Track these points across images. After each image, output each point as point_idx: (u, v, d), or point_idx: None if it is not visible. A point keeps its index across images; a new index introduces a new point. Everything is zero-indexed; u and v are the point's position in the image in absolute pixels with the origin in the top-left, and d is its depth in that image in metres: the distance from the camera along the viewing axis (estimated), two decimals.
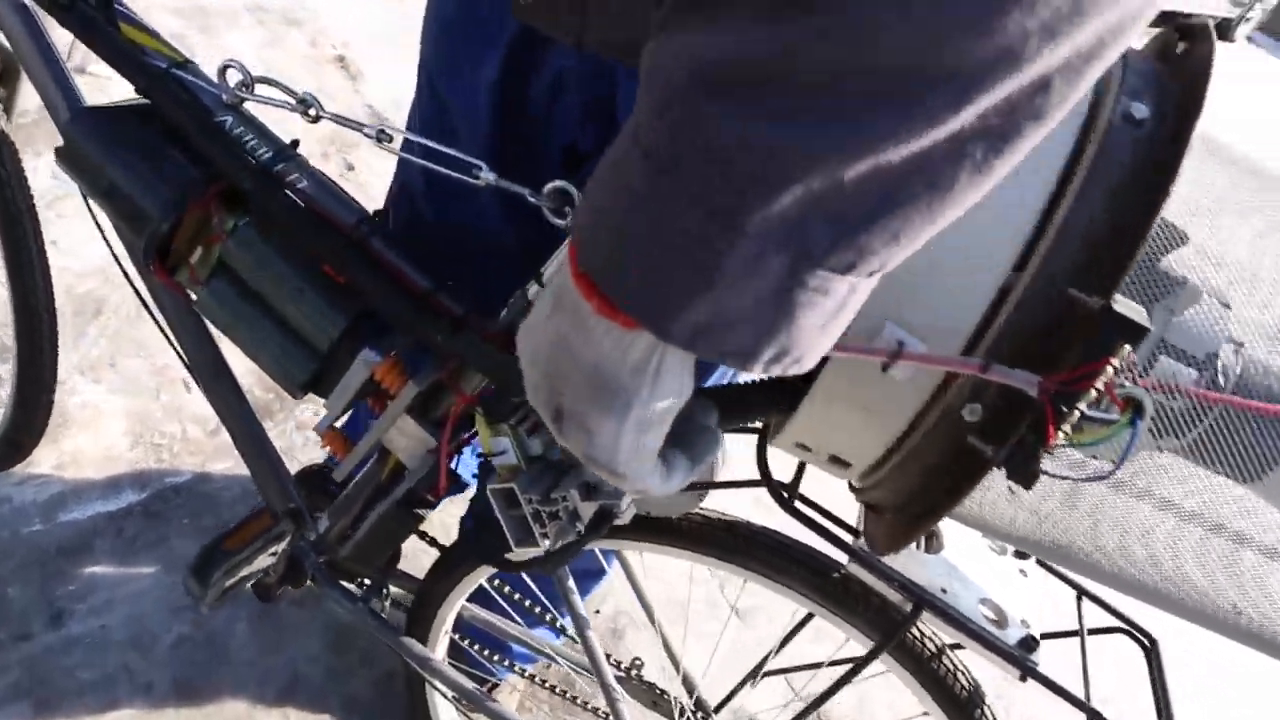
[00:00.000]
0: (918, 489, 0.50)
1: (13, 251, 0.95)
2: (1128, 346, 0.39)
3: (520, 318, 0.65)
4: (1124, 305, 0.40)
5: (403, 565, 0.98)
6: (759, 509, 0.79)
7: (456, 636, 1.03)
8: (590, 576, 1.09)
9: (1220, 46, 0.53)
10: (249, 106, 0.77)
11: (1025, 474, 0.42)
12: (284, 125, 0.79)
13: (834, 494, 0.67)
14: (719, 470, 0.71)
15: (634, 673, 0.97)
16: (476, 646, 1.05)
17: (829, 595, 0.72)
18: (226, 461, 1.44)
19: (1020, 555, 0.74)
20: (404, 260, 0.75)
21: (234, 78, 0.74)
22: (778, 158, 0.28)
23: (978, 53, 0.26)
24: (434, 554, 0.99)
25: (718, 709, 0.96)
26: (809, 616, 0.82)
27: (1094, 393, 0.40)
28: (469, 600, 0.97)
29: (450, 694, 0.93)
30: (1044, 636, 0.67)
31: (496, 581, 0.97)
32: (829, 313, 0.33)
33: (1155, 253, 0.47)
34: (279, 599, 0.94)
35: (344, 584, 0.92)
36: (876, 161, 0.28)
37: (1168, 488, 0.55)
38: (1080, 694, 0.65)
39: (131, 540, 1.30)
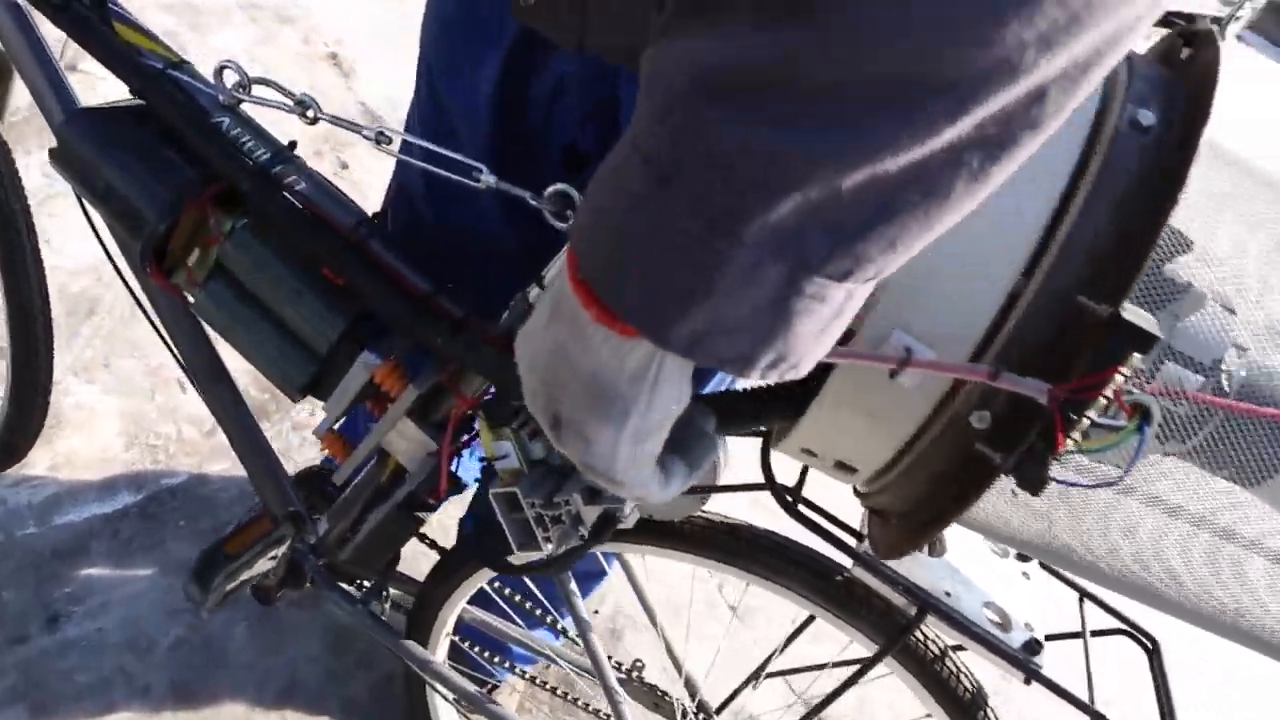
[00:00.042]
0: (924, 495, 0.50)
1: (7, 253, 0.94)
2: (1137, 354, 0.39)
3: (521, 320, 0.64)
4: (1133, 313, 0.40)
5: (401, 566, 0.98)
6: (756, 510, 0.79)
7: (456, 638, 1.03)
8: (591, 578, 1.09)
9: None
10: (246, 107, 0.76)
11: (1034, 481, 0.42)
12: (280, 126, 0.78)
13: (835, 496, 0.67)
14: (721, 473, 0.71)
15: (635, 674, 0.97)
16: (476, 648, 1.05)
17: (832, 598, 0.72)
18: (223, 463, 1.43)
19: (1022, 558, 0.74)
20: (403, 262, 0.74)
21: (231, 78, 0.73)
22: (779, 163, 0.28)
23: (976, 63, 0.26)
24: (432, 555, 0.99)
25: (719, 710, 0.96)
26: (810, 619, 0.82)
27: (1103, 401, 0.40)
28: (469, 603, 0.97)
29: (451, 697, 0.93)
30: (1047, 638, 0.67)
31: (496, 583, 0.96)
32: (826, 319, 0.33)
33: (1159, 258, 0.47)
34: (278, 602, 0.93)
35: (343, 586, 0.91)
36: (874, 170, 0.28)
37: (1170, 491, 0.55)
38: (1082, 695, 0.65)
39: (127, 542, 1.30)
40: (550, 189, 0.61)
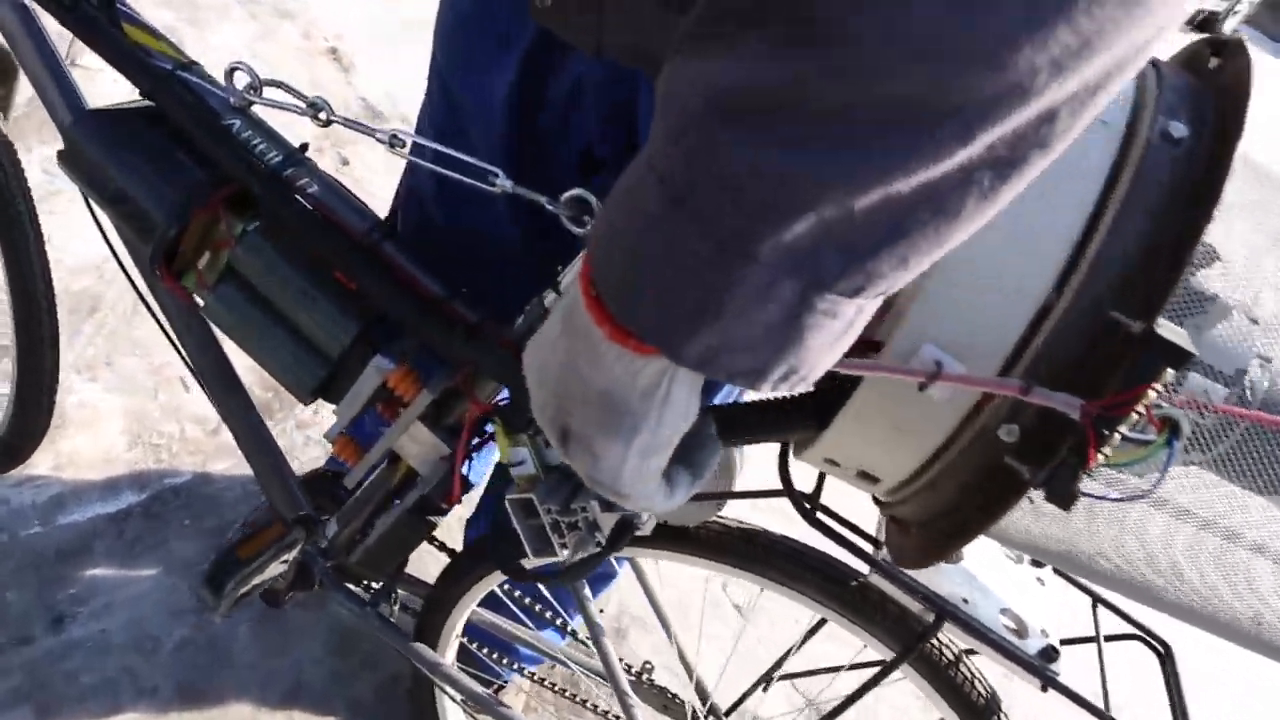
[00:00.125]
0: (948, 506, 0.50)
1: (12, 252, 0.93)
2: (1170, 370, 0.39)
3: (537, 324, 0.64)
4: (1167, 329, 0.40)
5: (407, 567, 0.97)
6: (755, 512, 0.79)
7: (465, 640, 1.03)
8: (601, 579, 1.09)
9: None
10: (256, 108, 0.75)
11: (1065, 496, 0.42)
12: (292, 129, 0.78)
13: (847, 499, 0.66)
14: (737, 479, 0.71)
15: (645, 677, 0.97)
16: (484, 649, 1.05)
17: (847, 604, 0.72)
18: (227, 461, 1.43)
19: (1036, 563, 0.74)
20: (417, 266, 0.74)
21: (242, 80, 0.72)
22: (788, 185, 0.29)
23: (988, 87, 0.26)
24: (438, 555, 0.99)
25: (728, 713, 0.96)
26: (821, 622, 0.82)
27: (1135, 416, 0.40)
28: (479, 605, 0.97)
29: (461, 699, 0.93)
30: (1061, 643, 0.67)
31: (506, 585, 0.96)
32: (837, 333, 0.34)
33: (1187, 270, 0.47)
34: (287, 604, 0.93)
35: (351, 588, 0.91)
36: (887, 191, 0.28)
37: (1188, 499, 0.55)
38: (1094, 699, 0.65)
39: (131, 543, 1.29)
40: (567, 194, 0.61)
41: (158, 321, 0.87)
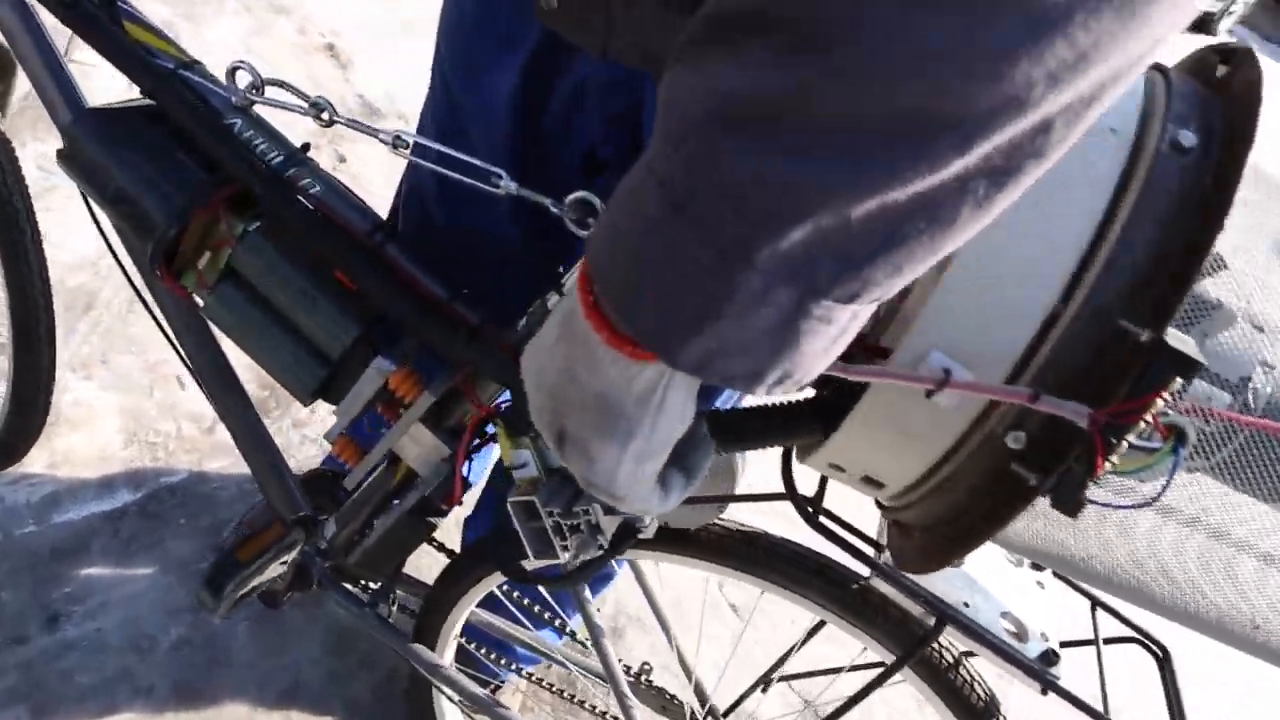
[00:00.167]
0: (952, 511, 0.50)
1: (10, 250, 0.93)
2: (1178, 379, 0.39)
3: (538, 327, 0.64)
4: (1176, 339, 0.40)
5: (404, 567, 0.97)
6: (755, 515, 0.79)
7: (463, 640, 1.03)
8: (600, 580, 1.09)
9: (1204, 40, 0.52)
10: (258, 108, 0.75)
11: (1071, 503, 0.42)
12: (292, 129, 0.77)
13: (847, 502, 0.67)
14: (739, 481, 0.71)
15: (643, 678, 0.97)
16: (482, 649, 1.05)
17: (848, 606, 0.72)
18: (223, 460, 1.42)
19: (1036, 567, 0.74)
20: (419, 267, 0.74)
21: (244, 79, 0.72)
22: (792, 193, 0.29)
23: (986, 98, 0.27)
24: (435, 555, 0.99)
25: (726, 714, 0.96)
26: (820, 624, 0.83)
27: (1143, 424, 0.40)
28: (478, 605, 0.97)
29: (459, 699, 0.92)
30: (1061, 645, 0.68)
31: (504, 586, 0.96)
32: (832, 338, 0.34)
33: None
34: (285, 604, 0.93)
35: (349, 589, 0.91)
36: (884, 199, 0.29)
37: (1191, 505, 0.55)
38: (1093, 701, 0.66)
39: (127, 541, 1.29)
40: (572, 197, 0.61)
41: (155, 319, 0.86)
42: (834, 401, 0.50)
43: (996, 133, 0.28)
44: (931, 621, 0.65)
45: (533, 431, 0.68)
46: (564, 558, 0.66)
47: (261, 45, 2.31)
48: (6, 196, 0.90)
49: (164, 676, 1.18)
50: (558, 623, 1.01)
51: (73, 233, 1.54)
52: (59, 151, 0.77)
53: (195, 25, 2.25)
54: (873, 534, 0.69)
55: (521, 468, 0.67)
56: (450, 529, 1.41)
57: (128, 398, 1.44)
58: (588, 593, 0.82)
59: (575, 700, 1.12)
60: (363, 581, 0.94)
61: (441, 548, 0.98)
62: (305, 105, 0.69)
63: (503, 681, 1.22)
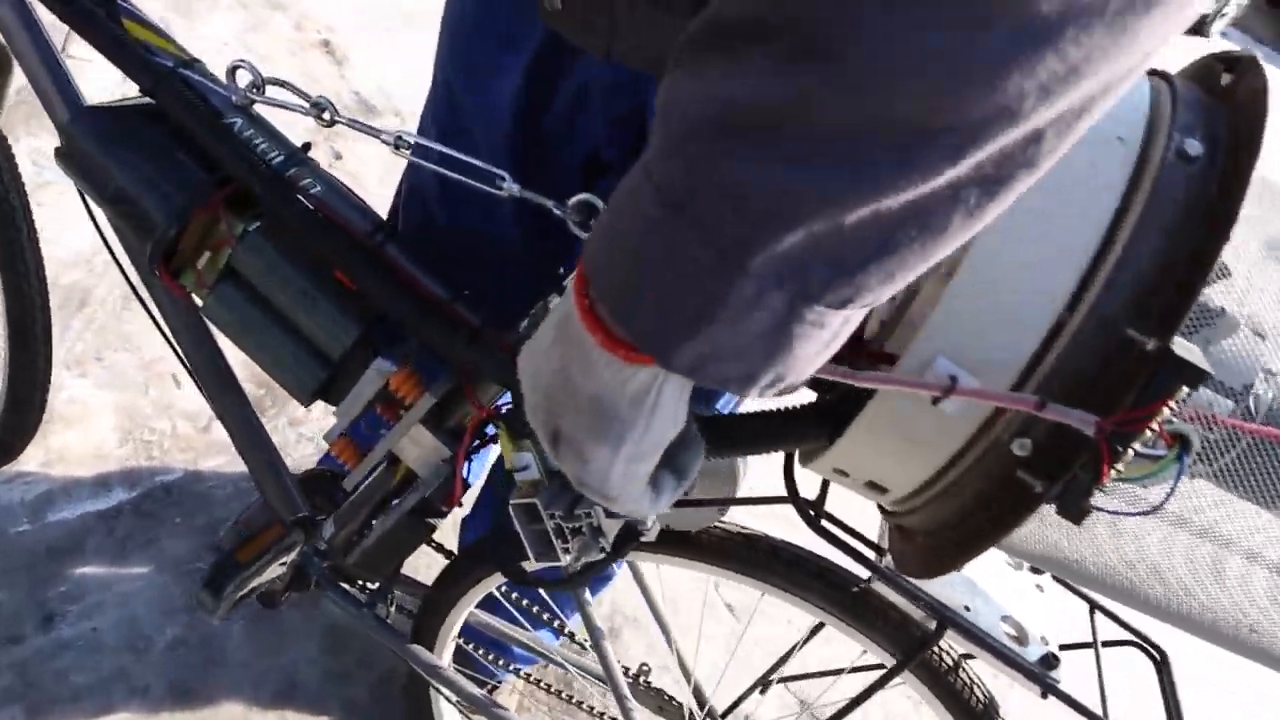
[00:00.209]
0: (957, 517, 0.50)
1: (6, 249, 0.92)
2: (1185, 388, 0.40)
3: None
4: (1182, 347, 0.40)
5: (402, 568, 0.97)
6: (756, 518, 0.79)
7: (461, 641, 1.03)
8: (600, 581, 1.09)
9: (1197, 42, 0.53)
10: (258, 107, 0.75)
11: (1077, 511, 0.42)
12: (289, 126, 0.77)
13: (848, 505, 0.67)
14: (741, 484, 0.71)
15: (642, 679, 0.97)
16: (480, 650, 1.05)
17: (848, 609, 0.72)
18: (218, 458, 1.42)
19: (1035, 570, 0.74)
20: (420, 268, 0.73)
21: (244, 78, 0.72)
22: (792, 200, 0.29)
23: (978, 110, 0.27)
24: (433, 555, 0.99)
25: (725, 715, 0.97)
26: (820, 626, 0.83)
27: (1149, 433, 0.40)
28: (476, 606, 0.97)
29: (457, 700, 0.92)
30: (1060, 649, 0.68)
31: (503, 586, 0.96)
32: (824, 342, 0.34)
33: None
34: (283, 605, 0.93)
35: (348, 589, 0.91)
36: (878, 207, 0.29)
37: (1191, 510, 0.55)
38: (1091, 704, 0.66)
39: (123, 541, 1.28)
40: (574, 199, 0.61)
41: (151, 316, 0.86)
42: (838, 407, 0.50)
43: (989, 142, 0.28)
44: (932, 625, 0.65)
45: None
46: (565, 560, 0.66)
47: (256, 41, 2.30)
48: (3, 194, 0.89)
49: (160, 676, 1.18)
50: (556, 623, 1.01)
51: (67, 229, 1.53)
52: (57, 150, 0.77)
53: (189, 21, 2.23)
54: (874, 537, 0.69)
55: (524, 470, 0.67)
56: (448, 530, 1.41)
57: (123, 395, 1.43)
58: (588, 594, 0.82)
59: (572, 701, 1.12)
60: (361, 582, 0.94)
61: (440, 548, 0.98)
62: (306, 105, 0.69)
63: (500, 682, 1.22)
